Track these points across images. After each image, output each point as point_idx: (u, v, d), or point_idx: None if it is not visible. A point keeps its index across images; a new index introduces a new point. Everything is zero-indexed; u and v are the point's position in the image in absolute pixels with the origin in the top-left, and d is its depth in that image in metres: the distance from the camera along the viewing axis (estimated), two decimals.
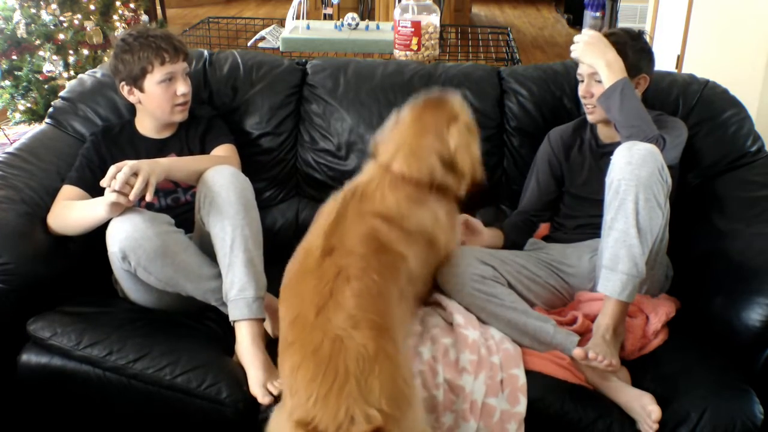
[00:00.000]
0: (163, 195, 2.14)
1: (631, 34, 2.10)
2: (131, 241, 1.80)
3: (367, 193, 1.75)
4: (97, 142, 2.17)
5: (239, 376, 1.81)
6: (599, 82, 2.02)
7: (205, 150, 2.20)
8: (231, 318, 1.85)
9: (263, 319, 1.87)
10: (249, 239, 1.87)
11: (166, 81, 2.08)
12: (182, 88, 2.10)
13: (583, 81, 2.10)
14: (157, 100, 2.10)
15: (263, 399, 1.74)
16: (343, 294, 1.51)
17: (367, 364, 1.42)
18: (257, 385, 1.76)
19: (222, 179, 1.89)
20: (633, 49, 2.06)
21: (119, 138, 2.18)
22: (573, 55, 2.08)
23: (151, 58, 2.06)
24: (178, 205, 2.15)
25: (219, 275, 1.89)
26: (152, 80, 2.08)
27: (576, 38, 2.07)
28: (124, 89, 2.13)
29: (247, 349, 1.82)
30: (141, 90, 2.10)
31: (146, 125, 2.19)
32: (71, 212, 1.99)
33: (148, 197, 1.80)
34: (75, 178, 2.10)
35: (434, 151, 1.80)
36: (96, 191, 2.03)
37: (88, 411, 1.93)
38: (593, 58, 2.01)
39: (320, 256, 1.61)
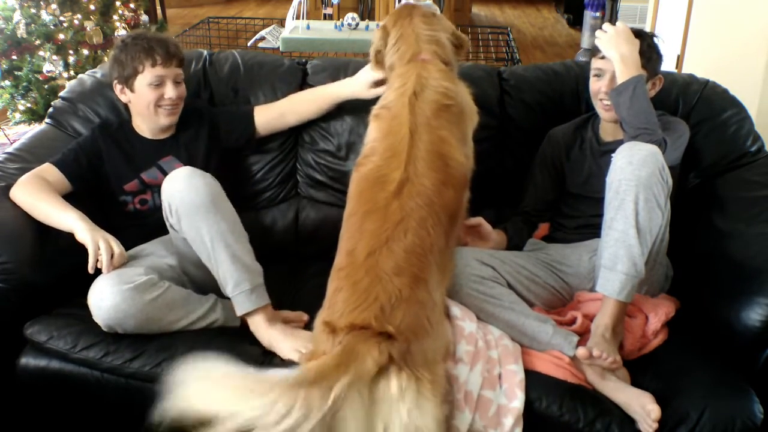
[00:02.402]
0: (157, 192, 2.11)
1: (652, 36, 2.10)
2: (114, 321, 1.80)
3: (421, 85, 1.89)
4: (95, 136, 2.18)
5: (237, 361, 1.80)
6: None
7: (220, 143, 2.24)
8: (237, 314, 1.89)
9: (269, 303, 1.90)
10: (227, 234, 1.88)
11: (155, 84, 2.09)
12: (170, 92, 2.11)
13: (600, 77, 2.07)
14: (144, 101, 2.11)
15: (301, 359, 1.75)
16: (398, 245, 1.65)
17: (397, 301, 1.57)
18: (290, 352, 1.82)
19: (178, 184, 1.89)
20: (656, 50, 2.08)
21: (117, 135, 2.20)
22: (596, 42, 2.05)
23: (143, 58, 2.08)
24: None
25: (210, 308, 1.93)
26: (142, 81, 2.09)
27: (604, 27, 2.04)
28: (117, 88, 2.16)
29: (265, 332, 1.88)
30: (131, 90, 2.12)
31: (141, 126, 2.20)
32: (40, 204, 1.97)
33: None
34: (61, 161, 2.10)
35: (444, 35, 2.03)
36: (76, 181, 2.09)
37: (88, 412, 1.94)
38: (610, 50, 1.99)
39: (393, 192, 1.72)
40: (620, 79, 1.95)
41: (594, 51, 2.10)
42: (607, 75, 2.05)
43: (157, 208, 2.12)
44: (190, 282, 2.04)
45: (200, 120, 2.24)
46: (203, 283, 2.01)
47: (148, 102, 2.11)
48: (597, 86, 2.09)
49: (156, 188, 2.14)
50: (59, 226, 1.94)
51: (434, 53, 1.99)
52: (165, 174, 2.13)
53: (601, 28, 2.06)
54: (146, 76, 2.09)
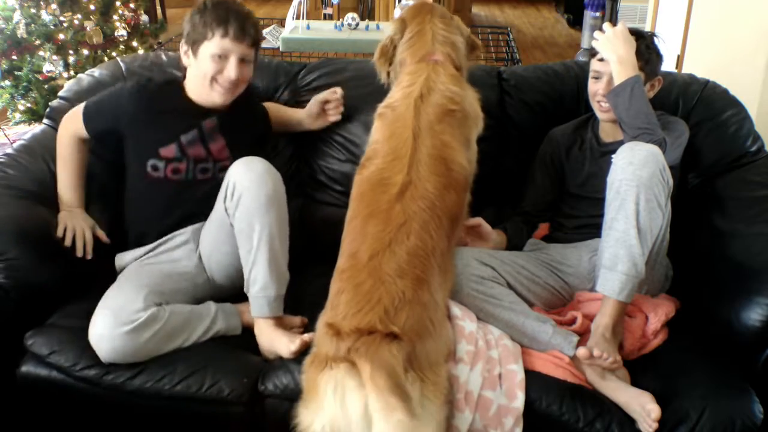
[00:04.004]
0: (192, 163, 2.06)
1: (652, 36, 2.10)
2: (113, 360, 1.78)
3: (429, 87, 1.89)
4: (127, 97, 2.08)
5: (238, 371, 1.82)
6: None
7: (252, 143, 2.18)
8: (252, 313, 1.91)
9: (282, 315, 1.92)
10: (275, 238, 1.89)
11: (218, 56, 1.99)
12: (231, 71, 2.00)
13: (598, 78, 2.07)
14: (202, 71, 2.02)
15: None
16: (400, 247, 1.66)
17: (400, 303, 1.58)
18: (287, 347, 1.82)
19: (253, 175, 1.86)
20: (656, 51, 2.08)
21: (156, 96, 2.09)
22: (593, 43, 2.05)
23: (214, 27, 1.97)
24: (206, 179, 2.08)
25: (212, 321, 1.92)
26: (207, 50, 1.99)
27: (603, 27, 2.04)
28: (182, 48, 2.06)
29: (269, 336, 1.88)
30: (195, 55, 2.03)
31: (193, 91, 2.10)
32: (59, 170, 2.14)
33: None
34: (89, 113, 2.12)
35: (460, 37, 2.05)
36: (95, 137, 2.13)
37: (91, 424, 1.93)
38: (607, 52, 1.99)
39: (396, 195, 1.73)
40: (617, 81, 1.96)
41: (593, 52, 2.11)
42: (605, 77, 2.05)
43: (190, 183, 2.07)
44: (210, 279, 2.04)
45: (254, 113, 2.19)
46: (223, 283, 2.05)
47: (206, 73, 2.01)
48: (595, 88, 2.09)
49: (192, 160, 2.06)
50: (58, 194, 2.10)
51: (447, 55, 1.99)
52: (204, 143, 2.06)
53: (600, 28, 2.06)
54: (212, 46, 1.98)
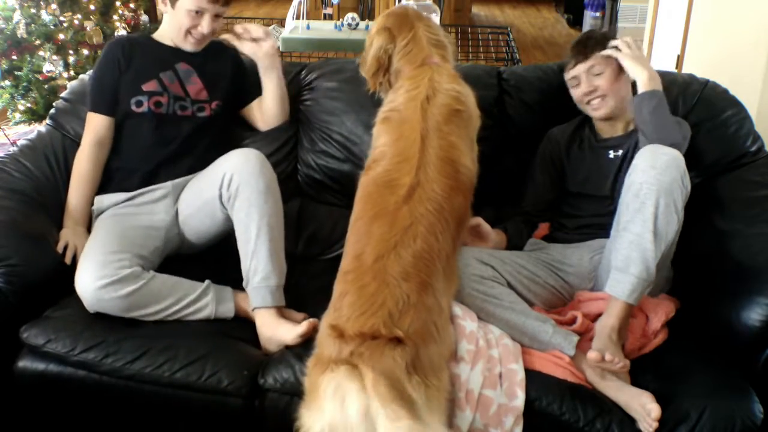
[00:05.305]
0: (173, 99, 2.17)
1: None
2: (97, 308, 1.85)
3: (434, 89, 1.89)
4: (110, 51, 2.19)
5: (238, 363, 1.82)
6: (598, 75, 2.05)
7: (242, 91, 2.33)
8: (252, 305, 1.91)
9: (284, 305, 1.93)
10: (275, 228, 1.94)
11: (195, 12, 2.12)
12: (205, 27, 2.14)
13: (578, 84, 2.10)
14: (178, 23, 2.15)
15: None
16: (406, 250, 1.64)
17: (405, 307, 1.58)
18: (291, 334, 1.83)
19: (250, 167, 1.94)
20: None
21: (134, 43, 2.22)
22: (619, 56, 2.04)
23: None
24: (186, 115, 2.18)
25: (202, 292, 1.93)
26: (184, 4, 2.12)
27: (621, 44, 2.04)
28: None
29: (271, 325, 1.88)
30: (172, 5, 2.16)
31: (165, 36, 2.23)
32: (72, 183, 2.16)
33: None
34: (95, 104, 2.16)
35: (444, 37, 2.06)
36: (114, 113, 2.17)
37: (88, 416, 1.93)
38: (637, 69, 2.01)
39: (404, 197, 1.72)
40: (642, 90, 1.98)
41: (565, 66, 2.15)
42: (583, 78, 2.09)
43: (171, 118, 2.16)
44: (181, 234, 2.10)
45: (235, 61, 2.31)
46: (191, 239, 2.10)
47: (181, 26, 2.15)
48: (578, 93, 2.12)
49: (173, 95, 2.17)
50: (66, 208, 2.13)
51: (442, 57, 2.01)
52: (181, 81, 2.18)
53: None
54: (189, 2, 2.11)
